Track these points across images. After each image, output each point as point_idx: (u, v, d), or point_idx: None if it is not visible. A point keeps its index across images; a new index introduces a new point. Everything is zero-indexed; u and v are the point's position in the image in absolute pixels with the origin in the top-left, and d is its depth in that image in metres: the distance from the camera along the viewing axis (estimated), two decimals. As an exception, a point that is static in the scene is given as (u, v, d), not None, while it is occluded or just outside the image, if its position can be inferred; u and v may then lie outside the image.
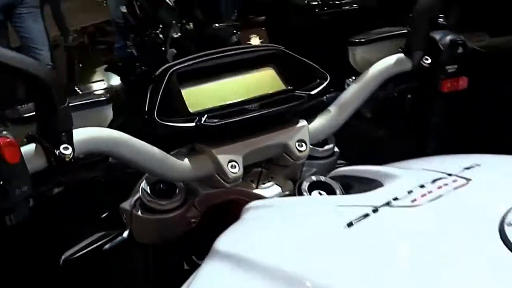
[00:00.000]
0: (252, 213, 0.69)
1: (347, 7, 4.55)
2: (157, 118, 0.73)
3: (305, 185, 0.73)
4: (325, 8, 4.57)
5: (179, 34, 3.79)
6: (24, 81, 0.60)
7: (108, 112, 0.74)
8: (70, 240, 0.95)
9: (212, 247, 0.64)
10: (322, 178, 0.75)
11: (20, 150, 0.59)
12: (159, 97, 0.74)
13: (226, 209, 0.90)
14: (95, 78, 4.57)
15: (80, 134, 0.66)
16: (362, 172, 0.74)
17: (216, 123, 0.75)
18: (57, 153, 0.62)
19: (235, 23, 3.88)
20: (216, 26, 3.87)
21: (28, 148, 0.63)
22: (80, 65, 5.05)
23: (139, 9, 3.27)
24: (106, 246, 0.93)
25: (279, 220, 0.68)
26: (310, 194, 0.73)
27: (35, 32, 3.69)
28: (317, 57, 0.87)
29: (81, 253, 0.91)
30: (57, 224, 1.97)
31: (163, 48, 3.83)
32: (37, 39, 3.72)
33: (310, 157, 0.88)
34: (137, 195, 0.83)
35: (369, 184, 0.69)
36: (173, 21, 3.43)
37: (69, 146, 0.63)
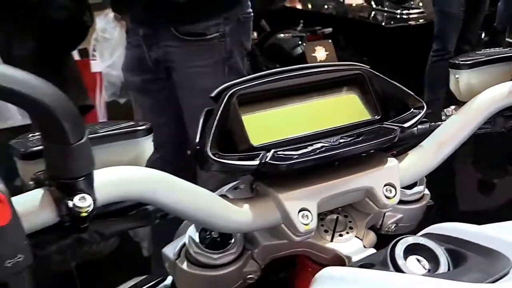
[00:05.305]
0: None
1: (413, 22, 4.36)
2: (210, 154, 0.58)
3: (400, 249, 0.55)
4: (392, 22, 4.40)
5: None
6: (22, 107, 0.42)
7: (147, 145, 0.58)
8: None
9: None
10: (421, 240, 0.56)
11: (11, 207, 0.41)
12: (214, 125, 0.59)
13: (291, 263, 0.74)
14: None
15: (105, 176, 0.49)
16: (472, 235, 0.55)
17: (287, 162, 0.59)
18: (70, 205, 0.45)
19: (301, 34, 3.74)
20: (280, 36, 3.74)
21: (30, 197, 0.46)
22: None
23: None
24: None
25: None
26: (405, 260, 0.55)
27: None
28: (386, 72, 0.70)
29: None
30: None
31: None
32: None
33: None
34: (183, 241, 0.68)
35: (489, 257, 0.51)
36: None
37: (86, 197, 0.46)
